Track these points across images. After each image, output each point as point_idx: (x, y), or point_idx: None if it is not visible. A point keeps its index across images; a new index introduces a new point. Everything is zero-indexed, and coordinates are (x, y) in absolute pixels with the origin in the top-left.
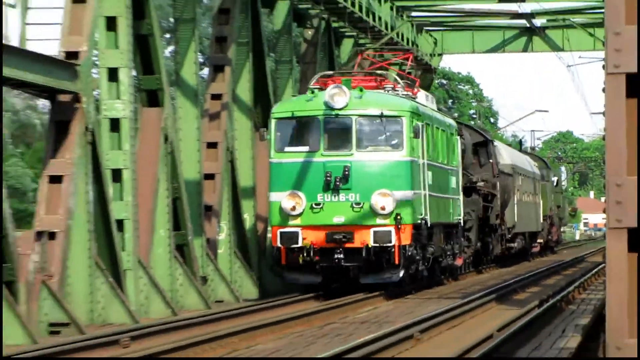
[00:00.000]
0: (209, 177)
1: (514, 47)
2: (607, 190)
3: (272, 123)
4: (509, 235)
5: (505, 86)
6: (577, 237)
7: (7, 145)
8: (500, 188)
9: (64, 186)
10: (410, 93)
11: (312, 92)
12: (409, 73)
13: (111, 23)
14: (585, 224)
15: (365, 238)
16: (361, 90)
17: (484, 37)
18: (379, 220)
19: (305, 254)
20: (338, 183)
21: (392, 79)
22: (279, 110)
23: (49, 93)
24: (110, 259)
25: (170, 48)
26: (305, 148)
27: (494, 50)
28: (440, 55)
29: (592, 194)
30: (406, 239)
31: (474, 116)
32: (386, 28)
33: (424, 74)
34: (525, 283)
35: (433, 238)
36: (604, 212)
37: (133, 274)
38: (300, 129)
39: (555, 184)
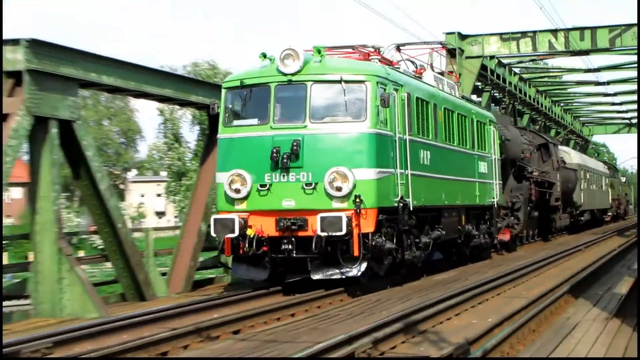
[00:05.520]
0: None
1: None
2: None
3: (222, 94)
4: (577, 212)
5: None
6: None
7: None
8: (561, 178)
9: None
10: (408, 71)
11: (265, 57)
12: (449, 71)
13: None
14: None
15: (316, 225)
16: (320, 52)
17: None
18: (335, 204)
19: (248, 245)
20: (286, 160)
21: (386, 54)
22: (229, 79)
23: None
24: None
25: None
26: (255, 121)
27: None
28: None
29: None
30: (368, 226)
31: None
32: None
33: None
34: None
35: (442, 221)
36: None
37: None
38: (251, 100)
39: (624, 180)
